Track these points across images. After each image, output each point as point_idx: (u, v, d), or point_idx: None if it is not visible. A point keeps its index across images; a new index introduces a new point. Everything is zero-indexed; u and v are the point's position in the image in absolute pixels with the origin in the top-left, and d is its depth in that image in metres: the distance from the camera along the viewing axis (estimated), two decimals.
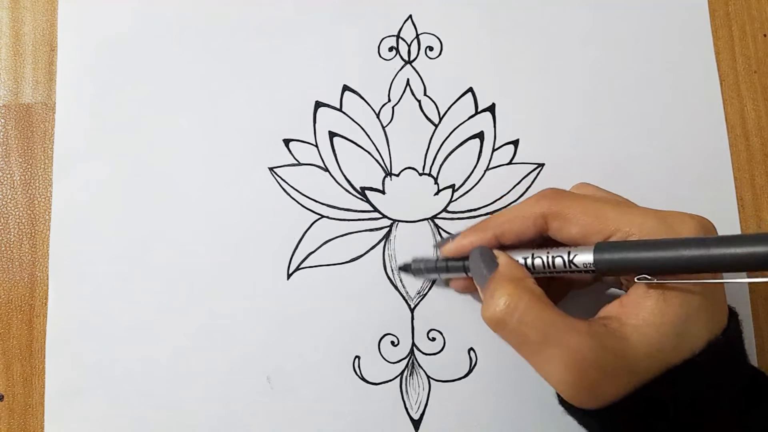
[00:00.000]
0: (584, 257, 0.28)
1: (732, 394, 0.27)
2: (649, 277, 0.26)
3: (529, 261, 0.29)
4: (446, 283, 0.36)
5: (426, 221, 0.37)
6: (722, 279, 0.26)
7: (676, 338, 0.26)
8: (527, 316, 0.27)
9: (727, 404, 0.26)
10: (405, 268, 0.36)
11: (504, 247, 0.31)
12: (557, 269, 0.29)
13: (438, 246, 0.33)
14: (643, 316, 0.26)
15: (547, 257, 0.29)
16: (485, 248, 0.30)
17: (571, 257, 0.28)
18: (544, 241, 0.31)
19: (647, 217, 0.27)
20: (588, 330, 0.26)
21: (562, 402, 0.29)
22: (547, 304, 0.27)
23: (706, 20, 0.39)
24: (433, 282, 0.36)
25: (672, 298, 0.26)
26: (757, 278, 0.24)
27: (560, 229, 0.29)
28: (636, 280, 0.26)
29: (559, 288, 0.33)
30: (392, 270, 0.37)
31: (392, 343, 0.36)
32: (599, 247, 0.27)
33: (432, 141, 0.38)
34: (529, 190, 0.37)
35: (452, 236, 0.32)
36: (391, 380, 0.36)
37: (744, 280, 0.25)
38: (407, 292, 0.36)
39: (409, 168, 0.38)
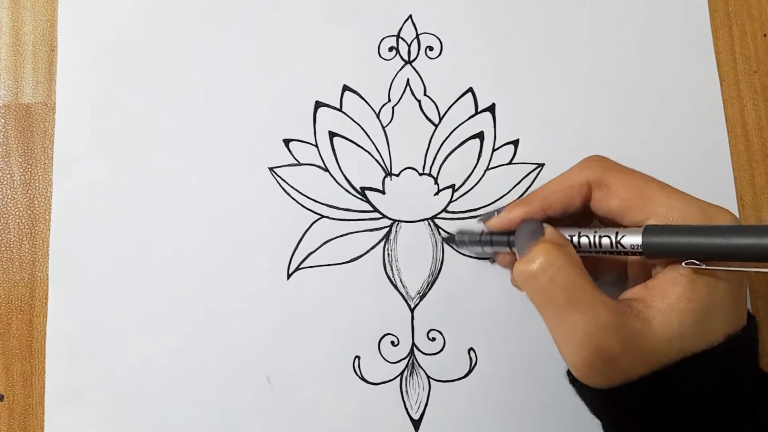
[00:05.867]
0: (632, 239, 0.27)
1: (742, 392, 0.27)
2: (698, 263, 0.26)
3: (575, 239, 0.29)
4: (492, 260, 0.36)
5: (426, 221, 0.37)
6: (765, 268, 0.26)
7: (697, 327, 0.26)
8: (559, 276, 0.26)
9: (736, 400, 0.26)
10: (449, 240, 0.36)
11: (550, 221, 0.30)
12: (603, 248, 0.28)
13: (483, 220, 0.32)
14: (669, 301, 0.26)
15: (594, 236, 0.28)
16: (534, 220, 0.30)
17: (618, 238, 0.28)
18: (587, 215, 0.30)
19: (690, 205, 0.27)
20: (615, 306, 0.26)
21: (573, 381, 0.29)
22: (581, 271, 0.27)
23: (706, 20, 0.39)
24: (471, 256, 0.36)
25: (699, 288, 0.26)
26: None
27: (601, 200, 0.29)
28: (684, 265, 0.26)
29: None
30: (392, 270, 0.37)
31: (392, 343, 0.36)
32: (649, 230, 0.27)
33: (432, 141, 0.38)
34: (529, 190, 0.37)
35: (497, 211, 0.32)
36: (391, 380, 0.36)
37: None
38: (407, 292, 0.36)
39: (409, 168, 0.38)
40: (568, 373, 0.29)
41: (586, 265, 0.33)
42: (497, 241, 0.32)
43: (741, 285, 0.27)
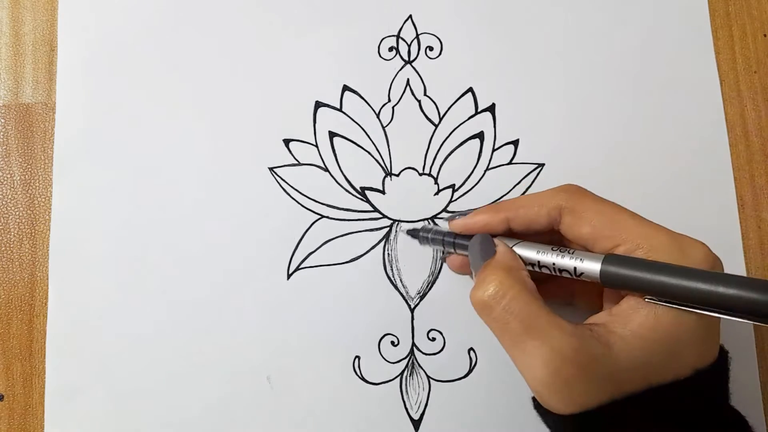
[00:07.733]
0: (591, 265, 0.27)
1: (707, 429, 0.26)
2: (656, 300, 0.25)
3: (533, 255, 0.29)
4: (443, 258, 0.36)
5: (426, 221, 0.37)
6: (725, 314, 0.25)
7: (663, 358, 0.26)
8: (514, 305, 0.26)
9: None
10: (412, 233, 0.34)
11: (513, 234, 0.30)
12: (561, 270, 0.28)
13: (448, 220, 0.32)
14: (632, 327, 0.26)
15: (553, 255, 0.28)
16: (486, 235, 0.30)
17: (576, 261, 0.27)
18: (553, 237, 0.30)
19: (660, 233, 0.27)
20: (573, 330, 0.26)
21: (537, 406, 0.28)
22: (535, 298, 0.27)
23: (706, 20, 0.39)
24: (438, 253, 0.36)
25: (664, 317, 0.26)
26: (758, 321, 0.24)
27: (572, 225, 0.29)
28: (646, 300, 0.26)
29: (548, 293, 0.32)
30: (392, 270, 0.37)
31: (392, 343, 0.36)
32: (609, 259, 0.26)
33: (432, 141, 0.38)
34: (529, 190, 0.37)
35: (463, 213, 0.32)
36: (391, 380, 0.36)
37: (745, 321, 0.24)
38: (407, 292, 0.36)
39: (409, 168, 0.38)
40: (533, 398, 0.28)
41: (559, 289, 0.33)
42: (460, 245, 0.31)
43: (712, 321, 0.27)
